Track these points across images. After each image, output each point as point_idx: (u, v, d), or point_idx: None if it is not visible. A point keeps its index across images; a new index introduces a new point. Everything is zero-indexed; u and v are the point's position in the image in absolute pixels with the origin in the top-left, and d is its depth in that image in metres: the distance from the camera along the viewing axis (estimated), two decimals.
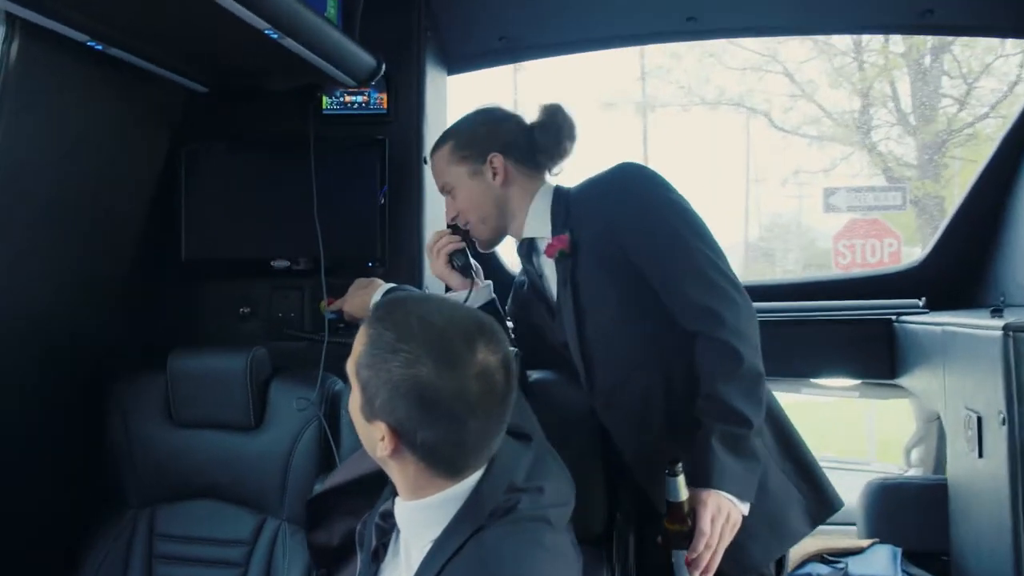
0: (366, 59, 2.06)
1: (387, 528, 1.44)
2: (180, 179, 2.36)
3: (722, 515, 1.67)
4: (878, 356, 2.84)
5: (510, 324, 2.12)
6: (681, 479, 1.63)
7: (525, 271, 2.06)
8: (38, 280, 1.99)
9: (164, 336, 2.33)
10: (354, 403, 1.35)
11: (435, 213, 2.49)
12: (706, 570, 1.68)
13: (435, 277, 2.10)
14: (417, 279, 2.39)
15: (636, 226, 1.84)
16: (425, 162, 2.44)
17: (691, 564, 1.67)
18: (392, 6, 2.39)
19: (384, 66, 2.14)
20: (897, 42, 12.17)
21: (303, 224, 2.30)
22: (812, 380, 3.05)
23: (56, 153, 1.91)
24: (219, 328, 2.42)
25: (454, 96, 2.78)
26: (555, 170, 2.02)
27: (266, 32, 1.67)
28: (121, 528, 2.09)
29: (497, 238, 2.03)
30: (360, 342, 1.33)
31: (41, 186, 1.92)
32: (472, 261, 2.04)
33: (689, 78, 14.10)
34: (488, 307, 2.01)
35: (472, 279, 2.02)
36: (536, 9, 2.60)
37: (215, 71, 2.12)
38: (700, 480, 1.68)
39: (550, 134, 1.99)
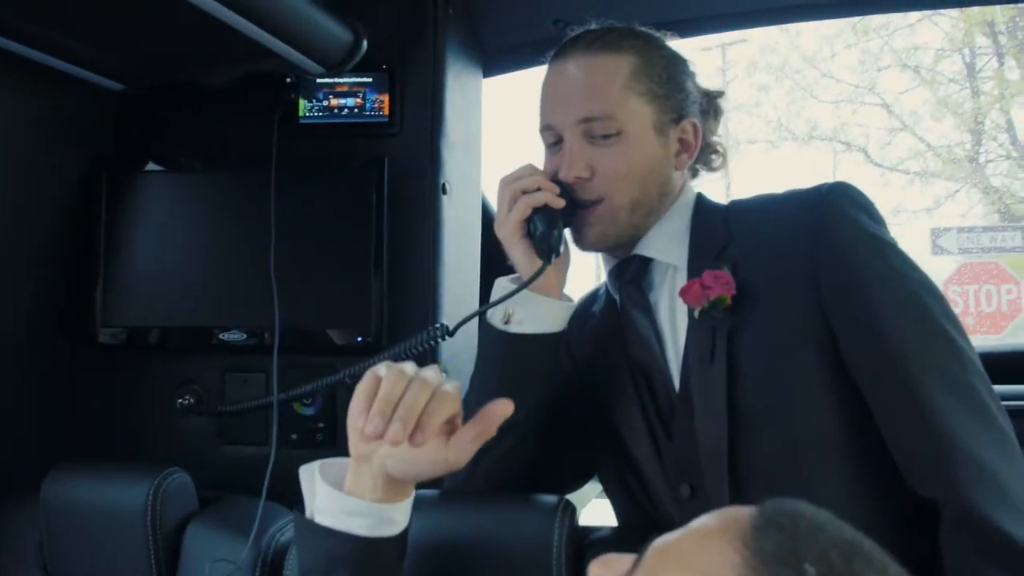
0: (334, 30, 1.34)
1: None
2: (99, 217, 1.68)
3: None
4: None
5: None
6: None
7: (623, 311, 1.26)
8: None
9: (70, 438, 1.65)
10: None
11: (457, 265, 1.76)
12: None
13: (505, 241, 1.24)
14: (429, 358, 1.65)
15: (862, 289, 1.11)
16: (444, 192, 1.71)
17: None
18: None
19: (364, 43, 1.41)
20: (1012, 67, 11.16)
21: (265, 280, 1.59)
22: None
23: None
24: (151, 425, 1.70)
25: (492, 105, 2.05)
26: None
27: None
28: None
29: (623, 239, 1.24)
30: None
31: None
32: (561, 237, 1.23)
33: (779, 112, 13.34)
34: (548, 342, 1.21)
35: (546, 263, 1.18)
36: None
37: (123, 58, 1.44)
38: None
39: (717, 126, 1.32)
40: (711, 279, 1.13)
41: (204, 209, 1.68)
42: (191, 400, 1.69)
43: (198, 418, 1.70)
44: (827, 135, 13.31)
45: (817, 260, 1.12)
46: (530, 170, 1.21)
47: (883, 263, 1.12)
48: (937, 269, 10.62)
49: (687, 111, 1.25)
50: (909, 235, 13.30)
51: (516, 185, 1.19)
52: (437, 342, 1.26)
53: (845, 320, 1.10)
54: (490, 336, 1.22)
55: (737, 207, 1.25)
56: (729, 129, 14.08)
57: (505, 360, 1.20)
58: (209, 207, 1.69)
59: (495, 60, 2.00)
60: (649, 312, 1.22)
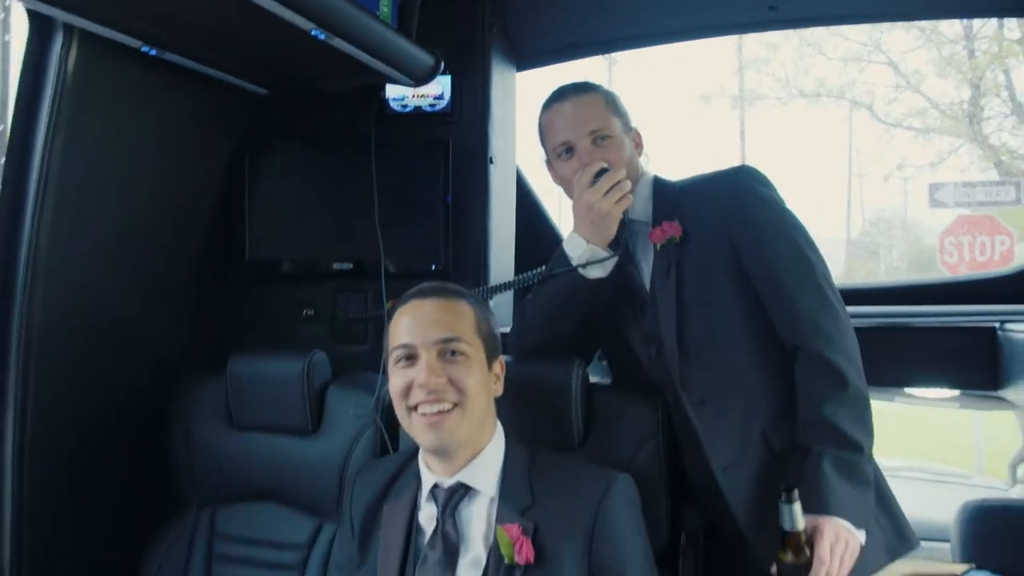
0: (423, 57, 2.01)
1: None
2: (244, 180, 2.36)
3: (840, 543, 1.60)
4: (980, 366, 2.59)
5: None
6: (798, 506, 1.55)
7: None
8: (104, 286, 2.02)
9: (228, 338, 2.34)
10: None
11: (500, 219, 2.43)
12: None
13: (589, 215, 1.80)
14: (482, 283, 2.33)
15: (755, 231, 1.79)
16: (491, 163, 2.38)
17: None
18: (455, 1, 2.34)
19: (442, 63, 2.08)
20: (1013, 27, 11.49)
21: (365, 226, 2.27)
22: (906, 389, 2.85)
23: (117, 159, 1.93)
24: (283, 330, 2.41)
25: (526, 93, 2.71)
26: None
27: (312, 33, 1.63)
28: (183, 528, 2.09)
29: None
30: None
31: (105, 191, 1.94)
32: None
33: (787, 70, 13.70)
34: (605, 283, 1.84)
35: (619, 243, 1.84)
36: (609, 1, 2.50)
37: (273, 73, 2.10)
38: (813, 507, 1.60)
39: None
40: (668, 226, 1.82)
41: (319, 174, 2.37)
42: (312, 312, 2.40)
43: (317, 325, 2.39)
44: (835, 92, 13.66)
45: (730, 215, 1.81)
46: (616, 175, 1.81)
47: (771, 214, 1.81)
48: (937, 221, 11.14)
49: (631, 124, 1.93)
50: (912, 190, 13.79)
51: (614, 186, 1.79)
52: (536, 282, 1.90)
53: (747, 250, 1.79)
54: (570, 278, 1.84)
55: (681, 183, 1.92)
56: (743, 85, 14.52)
57: (576, 294, 1.85)
58: (322, 173, 2.37)
59: (527, 60, 2.68)
60: (631, 252, 1.89)
